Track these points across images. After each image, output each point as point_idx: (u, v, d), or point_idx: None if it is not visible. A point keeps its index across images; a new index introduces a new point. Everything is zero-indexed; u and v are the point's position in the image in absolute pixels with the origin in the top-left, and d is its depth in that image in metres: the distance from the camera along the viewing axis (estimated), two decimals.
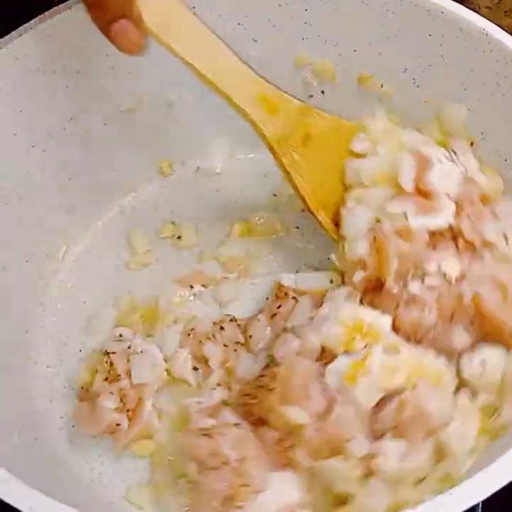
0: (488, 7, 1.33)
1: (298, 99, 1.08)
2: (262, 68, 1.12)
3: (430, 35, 1.01)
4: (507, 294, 0.83)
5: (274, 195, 1.16)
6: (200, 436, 0.81)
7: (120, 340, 0.97)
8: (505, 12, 1.33)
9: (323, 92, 1.14)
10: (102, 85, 1.06)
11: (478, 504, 0.89)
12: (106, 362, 0.94)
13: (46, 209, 1.06)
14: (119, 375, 0.93)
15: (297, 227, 1.14)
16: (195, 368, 0.97)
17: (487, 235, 0.87)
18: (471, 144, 1.04)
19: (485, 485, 0.69)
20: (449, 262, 0.85)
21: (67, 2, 0.98)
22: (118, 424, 0.91)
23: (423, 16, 1.00)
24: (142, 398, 0.93)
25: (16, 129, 0.98)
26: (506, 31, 0.97)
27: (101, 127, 1.09)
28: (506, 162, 1.00)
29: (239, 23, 1.08)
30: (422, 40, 1.02)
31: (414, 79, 1.06)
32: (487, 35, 0.96)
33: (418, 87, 1.06)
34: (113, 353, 0.95)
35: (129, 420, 0.92)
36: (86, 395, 0.94)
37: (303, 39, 1.09)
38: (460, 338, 0.84)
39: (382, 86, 1.09)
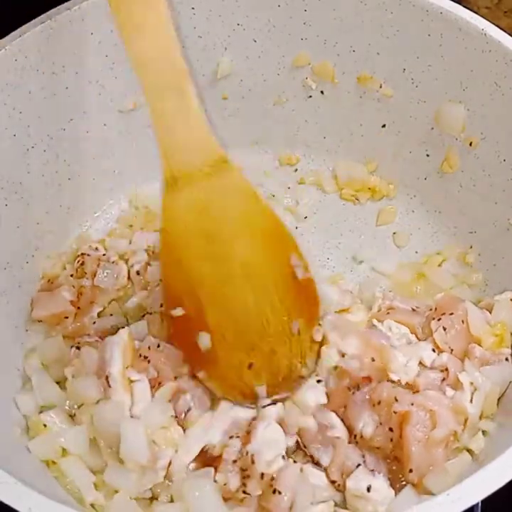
0: (487, 7, 1.33)
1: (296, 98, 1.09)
2: (262, 68, 1.13)
3: (429, 35, 1.01)
4: (430, 439, 0.84)
5: (273, 195, 1.17)
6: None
7: (96, 250, 1.05)
8: (505, 12, 1.33)
9: (322, 92, 1.14)
10: (102, 85, 1.06)
11: (477, 504, 0.89)
12: (78, 261, 1.04)
13: (46, 209, 1.06)
14: (85, 274, 1.02)
15: (297, 228, 1.14)
16: (137, 273, 1.03)
17: None
18: (471, 143, 1.04)
19: (484, 485, 0.69)
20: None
21: (67, 3, 0.98)
22: (66, 317, 0.99)
23: (422, 17, 1.00)
24: (94, 302, 1.01)
25: (16, 129, 0.98)
26: (505, 31, 0.97)
27: (101, 127, 1.09)
28: (505, 162, 1.00)
29: (239, 24, 1.08)
30: (421, 41, 1.02)
31: (413, 79, 1.06)
32: (486, 35, 0.96)
33: (417, 87, 1.06)
34: (88, 255, 1.04)
35: (74, 317, 0.99)
36: (49, 286, 1.03)
37: (302, 39, 1.09)
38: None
39: (381, 86, 1.09)
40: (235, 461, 0.85)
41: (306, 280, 0.87)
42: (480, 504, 0.90)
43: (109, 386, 0.86)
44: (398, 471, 0.85)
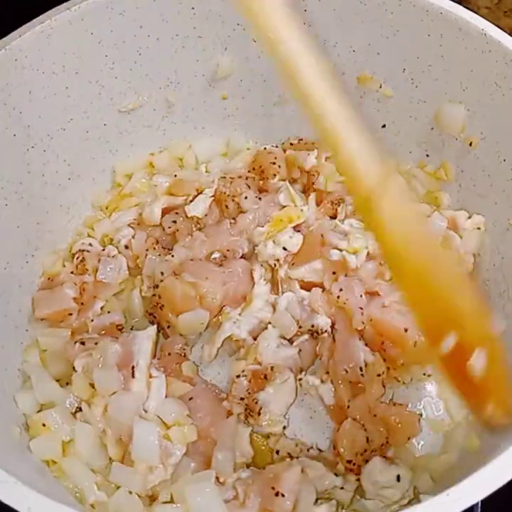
0: (487, 7, 1.33)
1: None
2: (262, 68, 1.13)
3: (429, 35, 1.01)
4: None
5: None
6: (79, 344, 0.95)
7: (91, 246, 1.07)
8: (505, 12, 1.33)
9: None
10: (101, 85, 1.06)
11: (477, 503, 0.89)
12: (77, 258, 1.05)
13: (46, 209, 1.06)
14: (87, 270, 1.04)
15: None
16: (126, 247, 1.08)
17: None
18: (470, 143, 1.04)
19: (484, 485, 0.69)
20: None
21: (67, 2, 0.98)
22: (70, 314, 1.01)
23: (422, 16, 1.00)
24: (97, 297, 1.03)
25: (16, 130, 0.98)
26: (505, 31, 0.97)
27: (101, 127, 1.10)
28: (505, 162, 1.00)
29: (239, 24, 1.08)
30: (421, 41, 1.02)
31: (413, 79, 1.06)
32: (486, 35, 0.96)
33: (417, 87, 1.06)
34: (87, 251, 1.06)
35: (78, 313, 1.01)
36: (49, 284, 1.04)
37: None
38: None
39: (381, 86, 1.09)
40: (242, 399, 0.91)
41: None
42: (480, 504, 0.90)
43: (133, 377, 0.88)
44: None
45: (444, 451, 0.91)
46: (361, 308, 0.95)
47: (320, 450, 0.93)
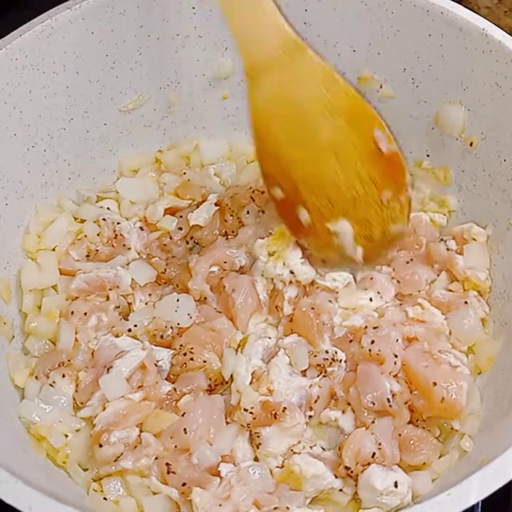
0: (487, 7, 1.33)
1: None
2: None
3: (430, 35, 1.01)
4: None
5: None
6: None
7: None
8: (505, 12, 1.33)
9: None
10: (102, 85, 1.06)
11: (477, 504, 0.89)
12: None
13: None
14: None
15: None
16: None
17: None
18: (471, 143, 1.04)
19: (484, 485, 0.69)
20: None
21: (67, 2, 0.98)
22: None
23: (422, 17, 1.00)
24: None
25: (16, 129, 0.98)
26: (506, 31, 0.97)
27: (101, 127, 1.10)
28: (506, 162, 1.00)
29: None
30: (422, 41, 1.02)
31: (413, 79, 1.06)
32: (487, 35, 0.96)
33: (418, 87, 1.06)
34: (104, 219, 1.06)
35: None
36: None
37: (302, 39, 1.09)
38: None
39: (381, 86, 1.09)
40: (242, 426, 0.90)
41: (390, 151, 0.92)
42: (480, 504, 0.90)
43: None
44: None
45: (444, 452, 0.91)
46: (396, 356, 0.90)
47: (323, 449, 0.92)
